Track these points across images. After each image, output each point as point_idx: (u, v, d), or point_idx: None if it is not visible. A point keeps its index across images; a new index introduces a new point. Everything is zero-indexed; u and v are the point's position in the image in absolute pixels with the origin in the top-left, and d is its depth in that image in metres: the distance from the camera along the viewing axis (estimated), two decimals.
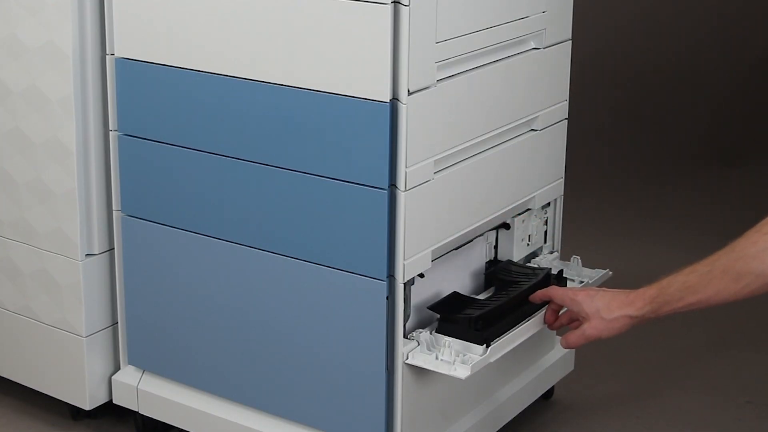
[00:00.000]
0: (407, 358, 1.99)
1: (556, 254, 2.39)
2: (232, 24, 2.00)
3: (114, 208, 2.25)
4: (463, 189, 2.06)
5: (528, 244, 2.33)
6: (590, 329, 2.06)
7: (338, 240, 1.98)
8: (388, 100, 1.88)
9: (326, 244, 2.00)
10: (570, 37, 2.29)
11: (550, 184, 2.32)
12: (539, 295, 2.16)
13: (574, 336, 2.09)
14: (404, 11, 1.84)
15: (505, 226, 2.25)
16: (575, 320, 2.13)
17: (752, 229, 1.90)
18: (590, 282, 2.29)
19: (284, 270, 2.06)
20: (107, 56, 2.18)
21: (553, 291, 2.15)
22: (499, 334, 2.05)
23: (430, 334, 2.03)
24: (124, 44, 2.14)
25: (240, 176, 2.06)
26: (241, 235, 2.09)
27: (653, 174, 3.91)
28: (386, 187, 1.92)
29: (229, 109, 2.04)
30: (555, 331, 2.45)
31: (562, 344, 2.14)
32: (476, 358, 1.98)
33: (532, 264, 2.33)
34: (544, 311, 2.16)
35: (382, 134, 1.90)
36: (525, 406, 2.37)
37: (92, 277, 2.29)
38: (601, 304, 2.03)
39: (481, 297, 2.17)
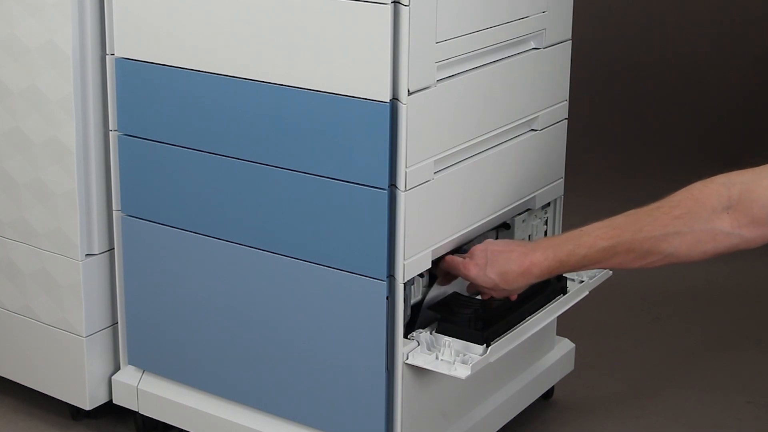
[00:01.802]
0: (407, 358, 1.99)
1: None
2: (232, 24, 2.00)
3: (114, 208, 2.25)
4: (463, 189, 2.06)
5: None
6: (493, 294, 2.06)
7: (338, 240, 1.98)
8: (388, 100, 1.88)
9: (326, 244, 2.00)
10: (570, 37, 2.29)
11: (550, 184, 2.32)
12: (443, 268, 2.09)
13: (485, 294, 2.09)
14: (404, 11, 1.84)
15: (505, 226, 2.25)
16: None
17: (659, 209, 1.89)
18: (590, 281, 2.28)
19: (284, 270, 2.06)
20: (107, 56, 2.18)
21: (448, 262, 2.09)
22: (499, 333, 2.05)
23: (430, 334, 2.03)
24: (124, 44, 2.14)
25: (240, 176, 2.06)
26: (241, 235, 2.09)
27: (653, 174, 3.91)
28: (386, 187, 1.92)
29: (229, 109, 2.04)
30: (555, 331, 2.45)
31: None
32: (476, 357, 1.98)
33: None
34: (545, 310, 2.15)
35: (382, 134, 1.90)
36: (525, 406, 2.37)
37: (92, 277, 2.29)
38: (497, 278, 2.01)
39: (480, 297, 2.17)
